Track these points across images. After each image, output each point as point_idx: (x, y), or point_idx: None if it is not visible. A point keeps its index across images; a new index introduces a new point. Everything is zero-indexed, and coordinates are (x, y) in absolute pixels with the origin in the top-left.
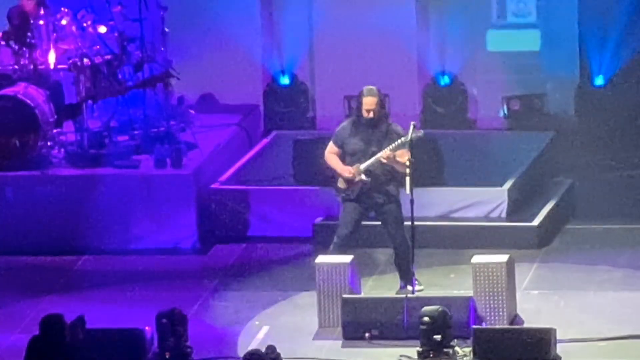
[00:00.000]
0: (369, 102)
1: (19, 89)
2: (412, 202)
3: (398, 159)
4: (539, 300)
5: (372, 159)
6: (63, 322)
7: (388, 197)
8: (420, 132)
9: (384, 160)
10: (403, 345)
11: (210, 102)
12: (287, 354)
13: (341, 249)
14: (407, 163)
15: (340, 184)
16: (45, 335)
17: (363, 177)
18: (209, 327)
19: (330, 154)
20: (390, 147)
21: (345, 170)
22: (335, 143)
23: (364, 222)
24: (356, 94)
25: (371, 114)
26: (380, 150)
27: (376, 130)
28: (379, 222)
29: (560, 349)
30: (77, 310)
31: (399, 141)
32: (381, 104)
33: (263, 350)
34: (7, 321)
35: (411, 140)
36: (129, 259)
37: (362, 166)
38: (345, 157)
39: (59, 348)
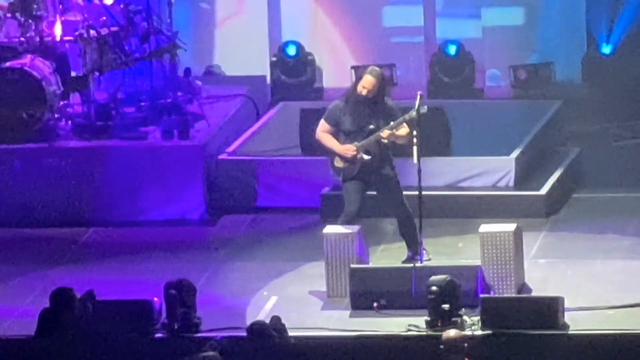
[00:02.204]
0: (367, 81)
1: (25, 61)
2: (419, 171)
3: (398, 132)
4: (547, 269)
5: (372, 137)
6: (73, 295)
7: (386, 175)
8: (424, 108)
9: (385, 140)
10: (411, 314)
11: (217, 73)
12: (296, 324)
13: (350, 223)
14: (414, 133)
15: (338, 164)
16: (56, 308)
17: (364, 156)
18: (218, 297)
19: (323, 133)
20: (392, 124)
21: (348, 150)
22: (328, 121)
23: (370, 193)
24: (363, 64)
25: (364, 92)
26: (378, 128)
27: (373, 107)
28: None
29: (568, 317)
30: (85, 282)
31: (404, 117)
32: (380, 86)
33: (268, 321)
34: (16, 293)
35: (418, 110)
36: (136, 230)
37: (361, 145)
38: (339, 135)
39: (69, 321)
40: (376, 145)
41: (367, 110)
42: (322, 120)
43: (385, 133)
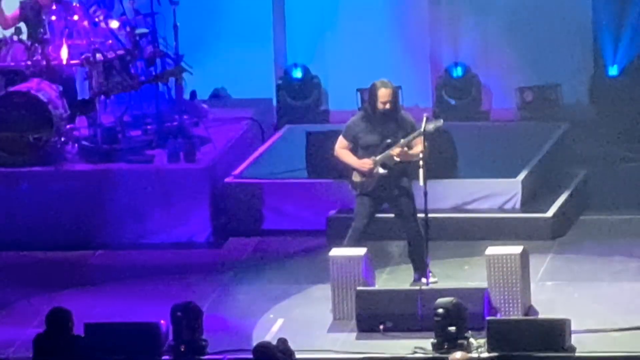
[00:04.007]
0: (385, 94)
1: (32, 85)
2: (425, 194)
3: (411, 152)
4: (554, 291)
5: (388, 151)
6: (69, 316)
7: (402, 189)
8: (440, 122)
9: (397, 158)
10: (417, 337)
11: (223, 96)
12: (302, 347)
13: (356, 242)
14: (421, 155)
15: (356, 178)
16: (51, 331)
17: (381, 170)
18: (224, 320)
19: (341, 149)
20: (403, 140)
21: (364, 164)
22: (346, 137)
23: (377, 215)
24: (369, 86)
25: (387, 106)
26: (396, 141)
27: (390, 122)
28: (393, 215)
29: (575, 339)
30: (92, 304)
31: (414, 134)
32: (395, 95)
33: (275, 343)
34: (23, 316)
35: (425, 131)
36: (143, 253)
37: (379, 159)
38: (357, 151)
39: (65, 344)
40: (393, 159)
41: (384, 125)
42: (340, 136)
43: (396, 151)
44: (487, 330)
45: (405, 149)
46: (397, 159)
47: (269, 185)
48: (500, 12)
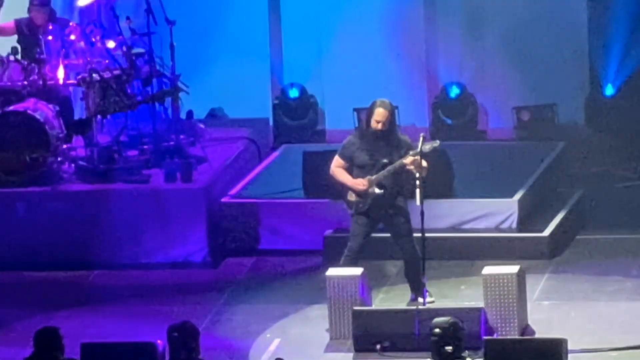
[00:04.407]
0: (380, 114)
1: (28, 105)
2: (422, 213)
3: (423, 162)
4: (550, 310)
5: (385, 171)
6: (58, 335)
7: (397, 209)
8: (436, 143)
9: (410, 166)
10: (414, 356)
11: (220, 115)
12: None
13: (352, 262)
14: (417, 175)
15: (351, 197)
16: (40, 352)
17: (376, 189)
18: (221, 340)
19: (337, 169)
20: (411, 153)
21: (359, 184)
22: (342, 157)
23: (373, 234)
24: (366, 106)
25: (380, 126)
26: (391, 162)
27: (386, 142)
28: (389, 234)
29: (571, 359)
30: (89, 324)
31: (411, 153)
32: (391, 118)
33: None
34: (20, 337)
35: (421, 151)
36: (140, 273)
37: (374, 178)
38: (352, 170)
39: None
40: (389, 179)
41: (380, 144)
42: (336, 156)
43: (409, 159)
44: (484, 349)
45: (418, 158)
46: (412, 167)
47: (266, 205)
48: (496, 32)
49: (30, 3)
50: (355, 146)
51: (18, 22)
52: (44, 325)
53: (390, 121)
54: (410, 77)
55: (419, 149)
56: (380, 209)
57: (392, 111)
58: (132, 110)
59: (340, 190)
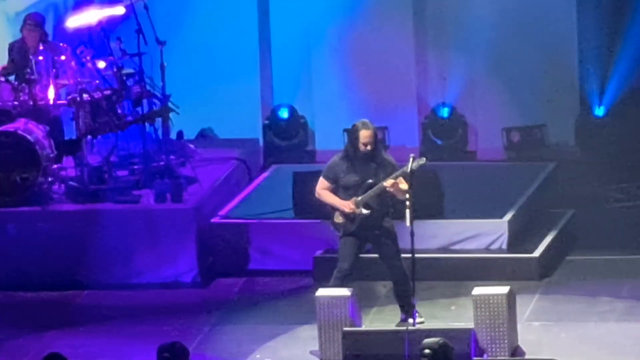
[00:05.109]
0: (366, 135)
1: (19, 125)
2: (412, 234)
3: (400, 185)
4: (540, 331)
5: (371, 191)
6: None
7: (383, 230)
8: (423, 160)
9: (390, 189)
10: None
11: (210, 136)
12: None
13: (343, 282)
14: (407, 195)
15: (338, 219)
16: None
17: (363, 210)
18: None
19: (323, 190)
20: (393, 176)
21: (345, 206)
22: (327, 178)
23: (363, 255)
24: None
25: (369, 147)
26: (377, 182)
27: (371, 162)
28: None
29: None
30: (79, 345)
31: (400, 172)
32: (375, 137)
33: None
34: (10, 357)
35: (411, 171)
36: (130, 293)
37: (360, 199)
38: (338, 191)
39: None
40: (376, 199)
41: (365, 165)
42: (321, 177)
43: (389, 182)
44: None
45: (397, 181)
46: (391, 189)
47: (256, 225)
48: (486, 52)
49: (24, 23)
50: (340, 168)
51: (10, 47)
52: (49, 351)
53: (375, 141)
54: (401, 97)
55: (408, 169)
56: (367, 229)
57: (375, 130)
58: (122, 131)
59: (327, 211)
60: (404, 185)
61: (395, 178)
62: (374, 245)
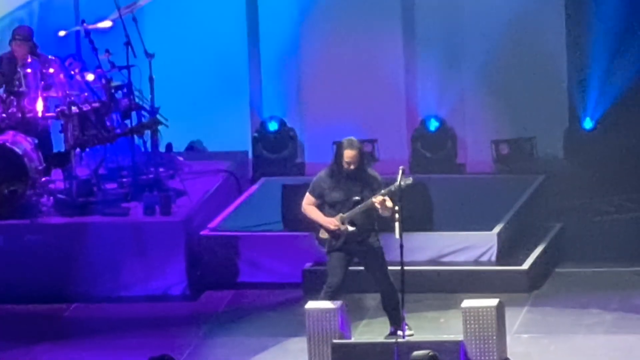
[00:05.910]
0: (350, 155)
1: (7, 138)
2: (401, 246)
3: (387, 203)
4: (530, 344)
5: (357, 208)
6: None
7: (368, 246)
8: (409, 180)
9: (378, 205)
10: None
11: (199, 148)
12: None
13: (332, 296)
14: (396, 208)
15: (322, 235)
16: None
17: (349, 227)
18: None
19: (309, 206)
20: (381, 193)
21: (330, 223)
22: (313, 194)
23: (352, 267)
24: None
25: (352, 166)
26: (362, 199)
27: (357, 179)
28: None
29: None
30: (68, 358)
31: (388, 189)
32: (360, 155)
33: None
34: None
35: (400, 185)
36: (119, 306)
37: (346, 216)
38: (324, 207)
39: None
40: (361, 216)
41: (351, 182)
42: (307, 193)
43: (378, 199)
44: None
45: (386, 198)
46: (378, 206)
47: (245, 238)
48: (475, 66)
49: (13, 36)
50: (326, 184)
51: (0, 58)
52: None
53: (360, 159)
54: (390, 110)
55: (397, 182)
56: (353, 245)
57: (360, 149)
58: (111, 143)
59: (311, 229)
60: (389, 203)
61: (384, 195)
62: (361, 260)
